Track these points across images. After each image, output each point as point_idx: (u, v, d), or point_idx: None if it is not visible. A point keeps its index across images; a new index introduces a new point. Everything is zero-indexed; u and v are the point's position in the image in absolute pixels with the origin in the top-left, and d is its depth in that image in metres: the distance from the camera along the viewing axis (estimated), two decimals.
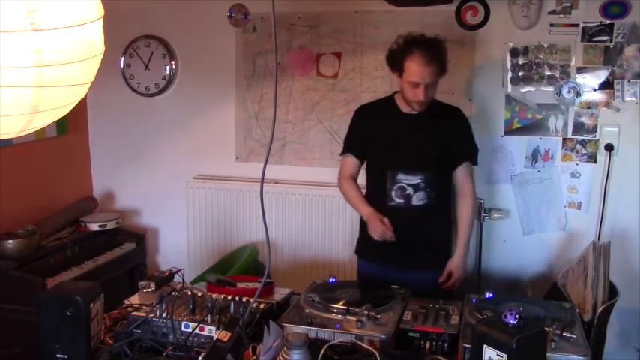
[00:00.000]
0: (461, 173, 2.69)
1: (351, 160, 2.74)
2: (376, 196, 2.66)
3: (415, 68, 2.43)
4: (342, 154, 2.79)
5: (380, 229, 2.52)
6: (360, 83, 3.40)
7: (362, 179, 2.81)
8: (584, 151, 3.14)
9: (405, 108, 2.60)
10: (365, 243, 2.75)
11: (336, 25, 3.38)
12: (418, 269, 2.59)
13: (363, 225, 2.72)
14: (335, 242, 3.47)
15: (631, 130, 3.06)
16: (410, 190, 2.59)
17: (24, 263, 3.04)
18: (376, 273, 2.65)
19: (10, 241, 3.06)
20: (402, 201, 2.59)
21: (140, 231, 3.84)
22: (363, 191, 2.76)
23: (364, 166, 2.78)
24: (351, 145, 2.75)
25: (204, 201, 3.67)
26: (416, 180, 2.58)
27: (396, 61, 2.51)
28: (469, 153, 2.71)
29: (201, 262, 3.66)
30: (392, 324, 1.84)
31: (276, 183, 3.51)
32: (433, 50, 2.45)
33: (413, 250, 2.60)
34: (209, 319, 1.80)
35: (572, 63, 3.09)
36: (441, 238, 2.73)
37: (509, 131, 3.23)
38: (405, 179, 2.59)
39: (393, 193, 2.60)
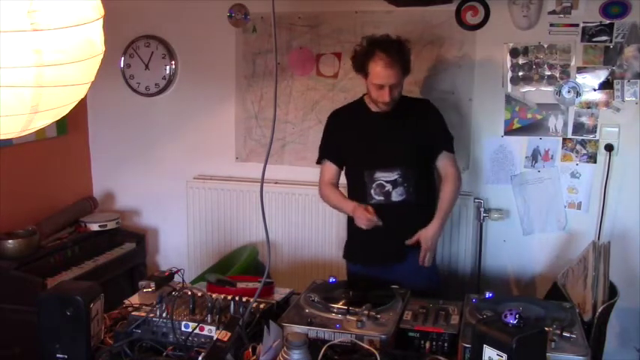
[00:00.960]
0: (442, 162, 2.72)
1: (329, 167, 2.77)
2: (357, 195, 2.69)
3: (378, 71, 2.48)
4: (319, 161, 2.82)
5: (366, 217, 2.54)
6: (360, 83, 3.37)
7: (343, 181, 2.85)
8: (584, 151, 3.14)
9: (374, 107, 2.65)
10: (350, 246, 2.82)
11: (336, 25, 3.38)
12: (402, 262, 2.63)
13: (349, 228, 2.78)
14: (335, 242, 3.47)
15: (631, 130, 3.06)
16: (388, 187, 2.63)
17: (24, 263, 3.04)
18: (364, 273, 2.68)
19: (10, 241, 3.06)
20: (381, 198, 2.63)
21: (140, 231, 3.84)
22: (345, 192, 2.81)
23: (343, 172, 2.82)
24: (327, 151, 2.78)
25: (204, 201, 3.67)
26: (393, 176, 2.62)
27: (360, 63, 2.56)
28: (445, 142, 2.73)
29: (201, 262, 3.65)
30: (392, 324, 1.84)
31: (276, 183, 3.51)
32: (395, 52, 2.49)
33: (396, 245, 2.64)
34: (209, 319, 1.80)
35: (572, 63, 3.09)
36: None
37: (509, 131, 3.23)
38: (383, 176, 2.63)
39: (373, 191, 2.64)
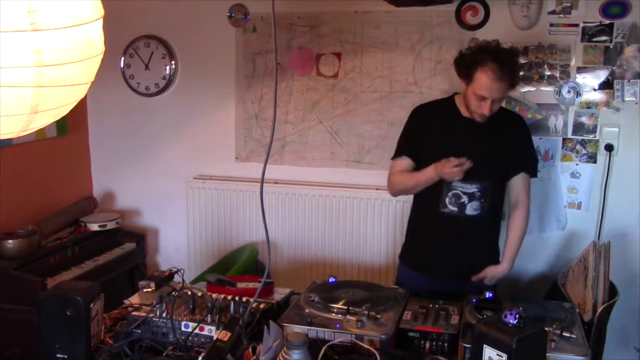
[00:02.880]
0: (517, 184, 2.54)
1: (405, 162, 2.55)
2: (428, 200, 2.52)
3: (485, 82, 2.29)
4: (397, 156, 2.58)
5: (454, 170, 2.32)
6: (360, 83, 3.40)
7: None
8: (584, 151, 3.14)
9: (465, 112, 2.48)
10: (409, 249, 2.69)
11: (336, 25, 3.38)
12: (465, 280, 2.50)
13: (410, 230, 2.68)
14: (335, 242, 3.47)
15: (631, 130, 3.05)
16: (465, 199, 2.46)
17: (24, 263, 3.04)
18: (418, 282, 2.49)
19: (10, 241, 3.06)
20: (455, 209, 2.47)
21: (140, 231, 3.84)
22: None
23: None
24: (408, 147, 2.56)
25: (204, 201, 3.67)
26: (472, 189, 2.45)
27: (465, 67, 2.37)
28: (528, 163, 2.57)
29: (201, 262, 3.66)
30: (392, 324, 1.84)
31: (276, 183, 3.51)
32: (506, 65, 2.30)
33: (458, 261, 2.51)
34: (209, 319, 1.80)
35: (572, 63, 3.09)
36: (491, 249, 2.62)
37: None
38: (462, 187, 2.45)
39: (447, 199, 2.47)
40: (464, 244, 2.50)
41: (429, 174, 2.42)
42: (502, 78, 2.29)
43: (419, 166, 2.53)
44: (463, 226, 2.48)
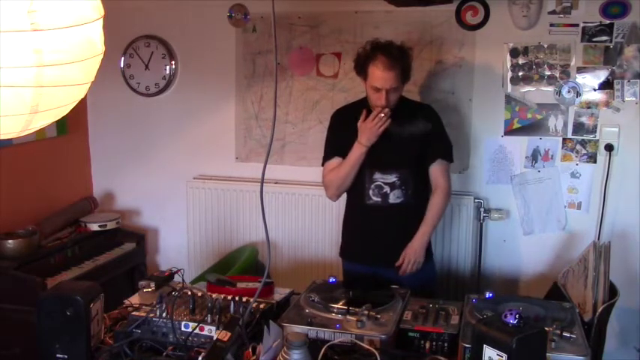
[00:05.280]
0: (435, 170, 2.69)
1: (335, 162, 2.70)
2: (354, 194, 2.71)
3: (377, 73, 2.49)
4: (326, 159, 2.74)
5: (374, 125, 2.52)
6: (360, 83, 3.38)
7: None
8: (584, 151, 3.14)
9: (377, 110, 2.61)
10: (346, 244, 2.85)
11: (336, 25, 3.38)
12: (394, 266, 2.63)
13: (345, 227, 2.82)
14: (335, 242, 3.46)
15: (631, 130, 3.06)
16: (387, 189, 2.63)
17: (24, 263, 3.04)
18: (359, 272, 2.68)
19: (10, 241, 3.06)
20: (379, 199, 2.64)
21: (140, 231, 3.84)
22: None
23: None
24: (334, 148, 2.72)
25: (204, 201, 3.67)
26: (392, 178, 2.63)
27: (361, 65, 2.57)
28: (443, 150, 2.72)
29: (201, 262, 3.65)
30: (392, 324, 1.84)
31: (276, 183, 3.51)
32: (396, 56, 2.49)
33: (391, 247, 2.64)
34: (209, 319, 1.80)
35: (572, 63, 3.09)
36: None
37: (509, 131, 3.23)
38: (382, 178, 2.63)
39: (371, 191, 2.64)
40: (391, 231, 2.64)
41: (356, 149, 2.58)
42: (391, 67, 2.47)
43: None
44: (388, 214, 2.64)
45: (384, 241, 2.65)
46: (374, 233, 2.66)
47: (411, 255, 2.63)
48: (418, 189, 2.67)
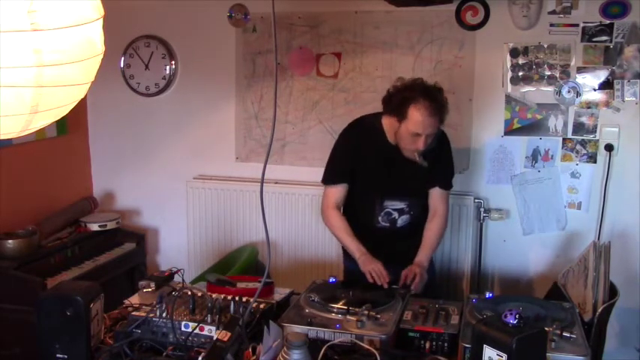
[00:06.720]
0: (435, 195, 2.64)
1: (339, 189, 2.60)
2: (362, 218, 2.63)
3: (419, 118, 2.34)
4: (331, 182, 2.62)
5: (373, 275, 2.38)
6: (360, 83, 3.40)
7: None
8: (584, 151, 3.14)
9: (392, 138, 2.52)
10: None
11: (336, 25, 3.38)
12: (400, 267, 2.56)
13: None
14: (335, 242, 3.45)
15: (631, 130, 3.06)
16: (395, 215, 2.62)
17: (24, 263, 3.04)
18: (360, 271, 2.58)
19: (10, 241, 3.06)
20: (387, 224, 2.62)
21: (140, 231, 3.84)
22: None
23: None
24: (341, 175, 2.60)
25: (204, 201, 3.67)
26: (401, 205, 2.61)
27: (397, 105, 2.41)
28: (446, 178, 2.67)
29: (201, 262, 3.65)
30: (392, 324, 1.84)
31: (276, 183, 3.51)
32: (438, 101, 2.37)
33: (396, 255, 2.57)
34: (209, 319, 1.80)
35: (572, 63, 3.09)
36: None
37: (509, 131, 3.23)
38: (392, 205, 2.60)
39: (380, 217, 2.61)
40: (398, 245, 2.61)
41: (354, 252, 2.52)
42: (434, 114, 2.35)
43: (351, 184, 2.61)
44: (396, 235, 2.63)
45: (390, 250, 2.57)
46: (381, 249, 2.56)
47: (423, 273, 2.52)
48: (425, 210, 2.66)
